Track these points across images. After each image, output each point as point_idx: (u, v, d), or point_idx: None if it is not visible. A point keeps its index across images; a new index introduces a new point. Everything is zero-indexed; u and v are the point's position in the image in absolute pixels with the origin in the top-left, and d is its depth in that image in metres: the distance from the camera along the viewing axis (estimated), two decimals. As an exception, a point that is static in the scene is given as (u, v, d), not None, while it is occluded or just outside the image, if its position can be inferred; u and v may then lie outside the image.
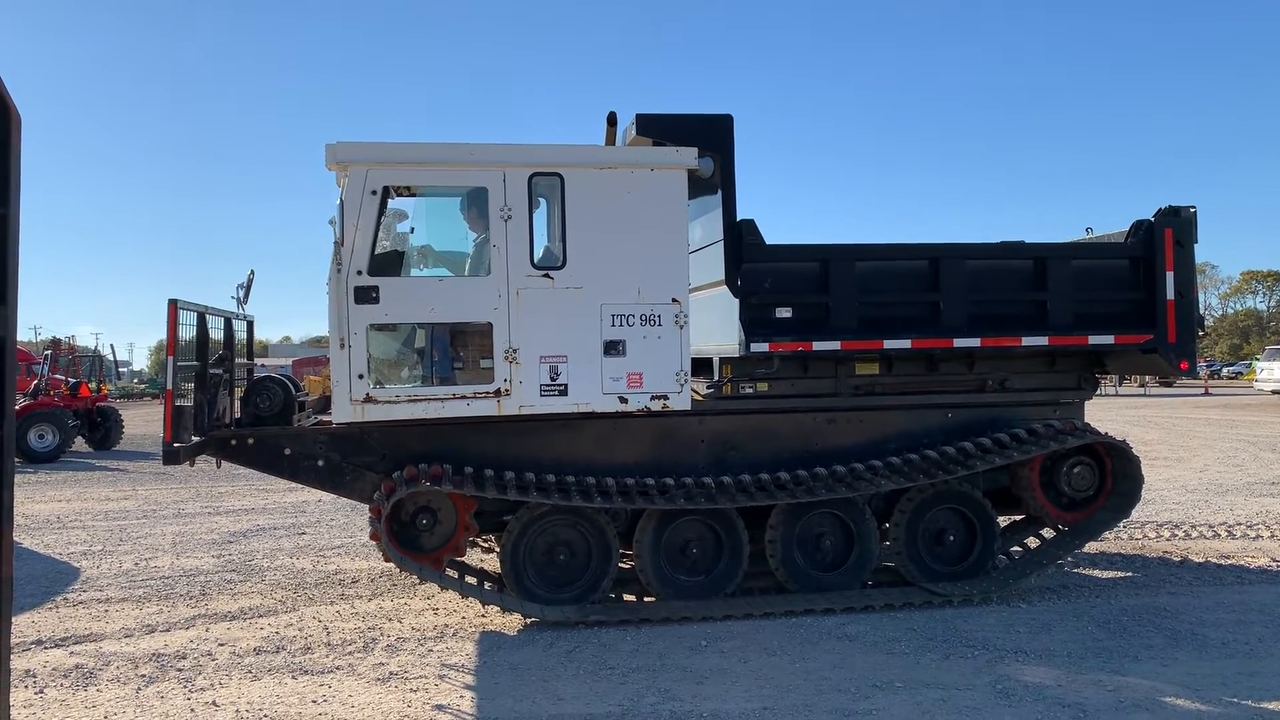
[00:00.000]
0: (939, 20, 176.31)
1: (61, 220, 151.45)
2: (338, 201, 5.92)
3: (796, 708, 4.56)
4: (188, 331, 6.03)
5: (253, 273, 7.01)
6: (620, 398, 6.10)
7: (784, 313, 6.38)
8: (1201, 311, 7.39)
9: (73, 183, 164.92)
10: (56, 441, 17.24)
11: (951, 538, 6.60)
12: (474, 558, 7.42)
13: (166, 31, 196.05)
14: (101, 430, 19.66)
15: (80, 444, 19.34)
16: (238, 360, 7.02)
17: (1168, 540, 8.46)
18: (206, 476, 13.91)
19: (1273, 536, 8.56)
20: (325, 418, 6.49)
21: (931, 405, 6.83)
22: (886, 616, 6.11)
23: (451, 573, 6.20)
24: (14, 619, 4.83)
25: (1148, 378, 38.83)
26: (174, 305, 5.76)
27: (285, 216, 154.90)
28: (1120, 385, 41.11)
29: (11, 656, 1.94)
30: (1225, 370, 59.38)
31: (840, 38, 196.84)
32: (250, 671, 5.22)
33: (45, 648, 5.68)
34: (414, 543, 6.03)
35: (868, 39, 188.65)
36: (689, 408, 6.27)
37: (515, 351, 5.97)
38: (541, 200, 6.46)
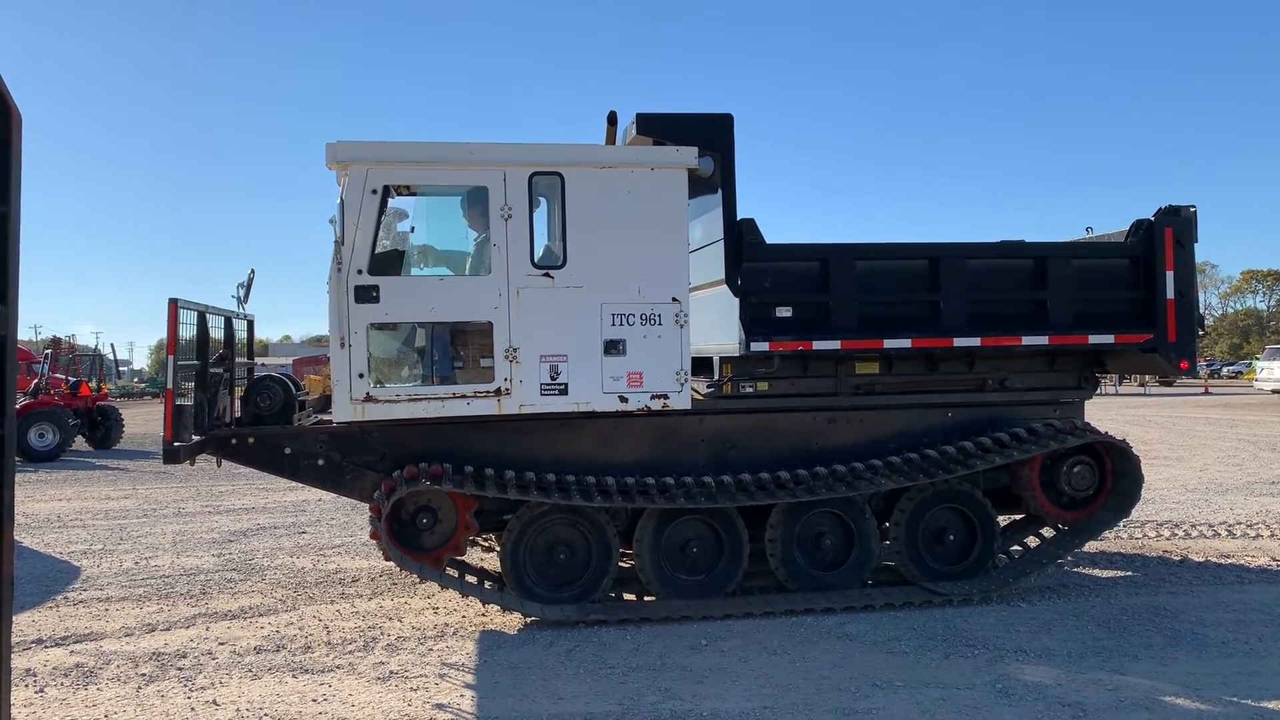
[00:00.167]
0: (939, 20, 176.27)
1: (62, 219, 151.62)
2: (338, 201, 5.92)
3: (796, 707, 4.56)
4: (188, 331, 6.03)
5: (253, 272, 7.01)
6: (620, 397, 6.10)
7: (784, 312, 6.38)
8: (1201, 311, 7.40)
9: (73, 182, 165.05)
10: (57, 440, 17.24)
11: (951, 537, 6.60)
12: (474, 557, 7.42)
13: (167, 31, 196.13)
14: (102, 429, 19.67)
15: (80, 443, 19.33)
16: (238, 359, 7.02)
17: (1168, 539, 8.47)
18: (207, 476, 13.92)
19: (1273, 536, 8.57)
20: (325, 417, 6.50)
21: (931, 404, 6.83)
22: (886, 616, 6.11)
23: (452, 572, 6.20)
24: (14, 618, 4.83)
25: (1148, 377, 38.82)
26: (174, 304, 5.76)
27: (285, 216, 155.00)
28: (1120, 385, 41.11)
29: (12, 655, 1.94)
30: (1225, 370, 59.37)
31: (840, 37, 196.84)
32: (250, 670, 5.22)
33: (46, 646, 5.68)
34: (414, 542, 6.03)
35: (868, 39, 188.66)
36: (689, 407, 6.27)
37: (515, 351, 5.97)
38: (542, 199, 6.46)
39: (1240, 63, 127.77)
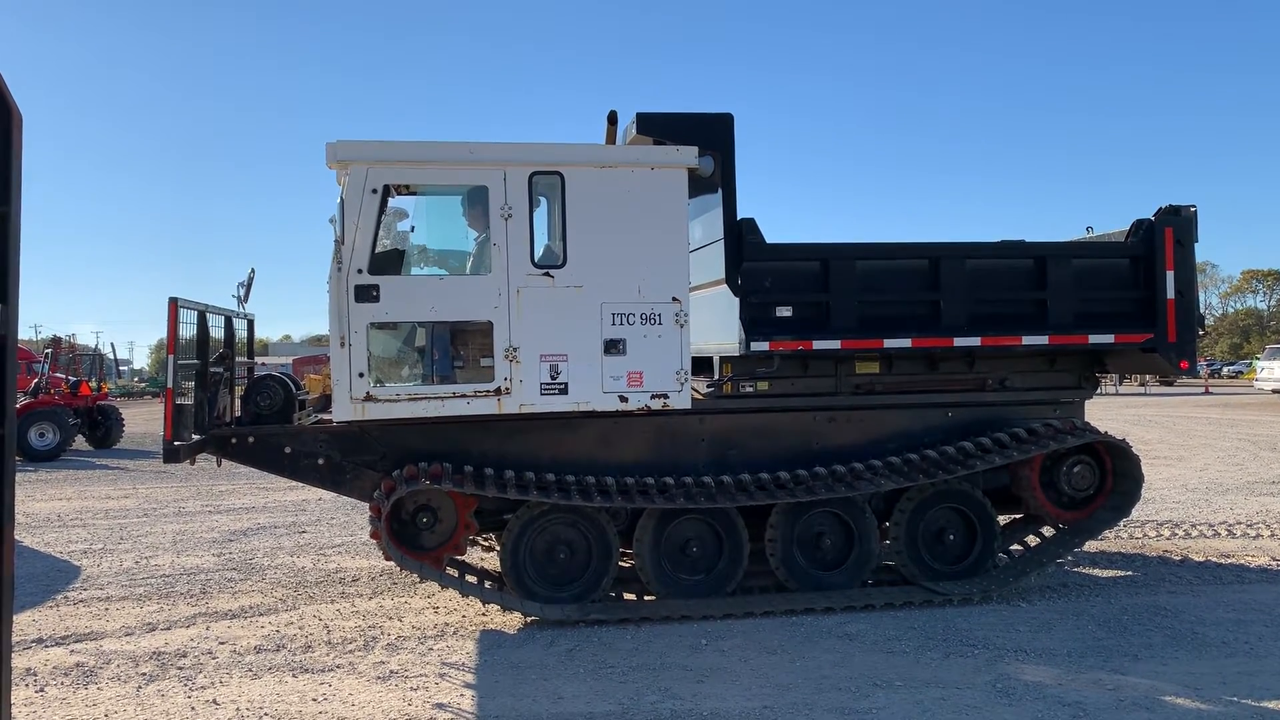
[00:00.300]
0: (940, 19, 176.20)
1: (62, 218, 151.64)
2: (338, 200, 5.92)
3: (797, 706, 4.56)
4: (188, 330, 6.03)
5: (253, 271, 7.02)
6: (620, 396, 6.11)
7: (784, 311, 6.39)
8: (1202, 311, 7.39)
9: (73, 181, 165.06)
10: (57, 440, 17.24)
11: (951, 537, 6.60)
12: (474, 557, 7.42)
13: (167, 29, 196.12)
14: (102, 429, 19.67)
15: (81, 442, 19.34)
16: (238, 359, 7.02)
17: (1168, 539, 8.47)
18: (207, 475, 13.92)
19: (1273, 535, 8.57)
20: (326, 416, 6.50)
21: (931, 404, 6.83)
22: (887, 615, 6.11)
23: (452, 571, 6.21)
24: (15, 617, 4.83)
25: (1148, 377, 38.82)
26: (174, 304, 5.76)
27: (286, 215, 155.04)
28: (1120, 384, 41.10)
29: (12, 655, 1.94)
30: (1225, 369, 59.35)
31: (841, 36, 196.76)
32: (251, 670, 5.22)
33: (46, 646, 5.69)
34: (414, 541, 6.03)
35: (868, 38, 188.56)
36: (689, 407, 6.27)
37: (515, 350, 5.97)
38: (542, 199, 6.46)
39: (1240, 62, 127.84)
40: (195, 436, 6.02)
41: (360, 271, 5.84)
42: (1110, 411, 24.94)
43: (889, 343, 6.46)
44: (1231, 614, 6.05)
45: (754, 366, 6.50)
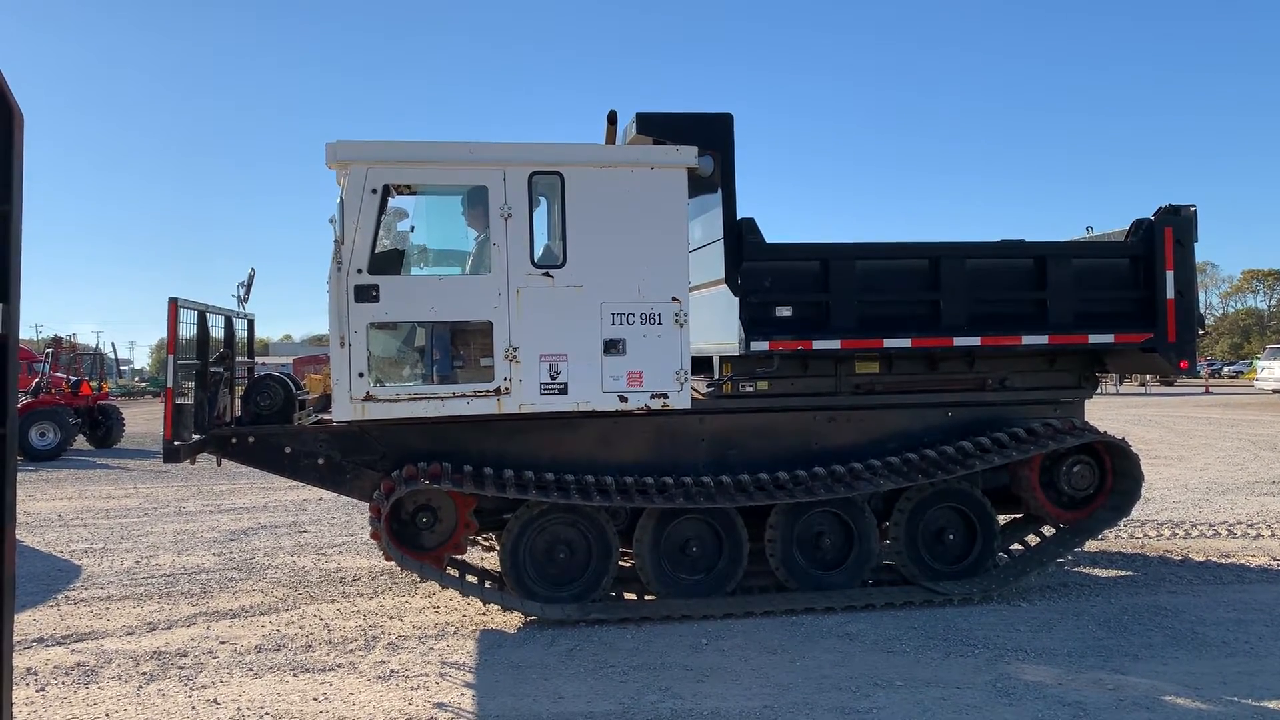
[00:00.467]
0: (940, 19, 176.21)
1: (63, 218, 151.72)
2: (338, 200, 5.93)
3: (797, 705, 4.57)
4: (188, 330, 6.04)
5: (253, 271, 7.03)
6: (620, 396, 6.11)
7: (784, 311, 6.39)
8: (1202, 310, 7.39)
9: (74, 181, 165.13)
10: (58, 439, 17.25)
11: (951, 536, 6.60)
12: (475, 556, 7.42)
13: (167, 29, 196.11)
14: (103, 428, 19.68)
15: (81, 442, 19.35)
16: (238, 358, 7.03)
17: (1168, 539, 8.47)
18: (207, 475, 13.93)
19: (1273, 535, 8.57)
20: (326, 416, 6.50)
21: (931, 404, 6.84)
22: (887, 615, 6.11)
23: (452, 571, 6.21)
24: (16, 616, 4.83)
25: (1148, 377, 38.79)
26: (174, 304, 5.77)
27: (286, 215, 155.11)
28: (1121, 384, 41.10)
29: (14, 654, 1.94)
30: (1226, 369, 59.33)
31: (840, 37, 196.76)
32: (251, 669, 5.22)
33: (47, 645, 5.69)
34: (414, 541, 6.03)
35: (869, 37, 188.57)
36: (689, 406, 6.27)
37: (515, 350, 5.98)
38: (542, 199, 6.46)
39: (1240, 62, 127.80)
40: (195, 436, 6.02)
41: (360, 271, 5.84)
42: (1110, 411, 24.93)
43: (889, 342, 6.47)
44: (1232, 614, 6.05)
45: (754, 366, 6.50)
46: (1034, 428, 6.71)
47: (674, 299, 6.17)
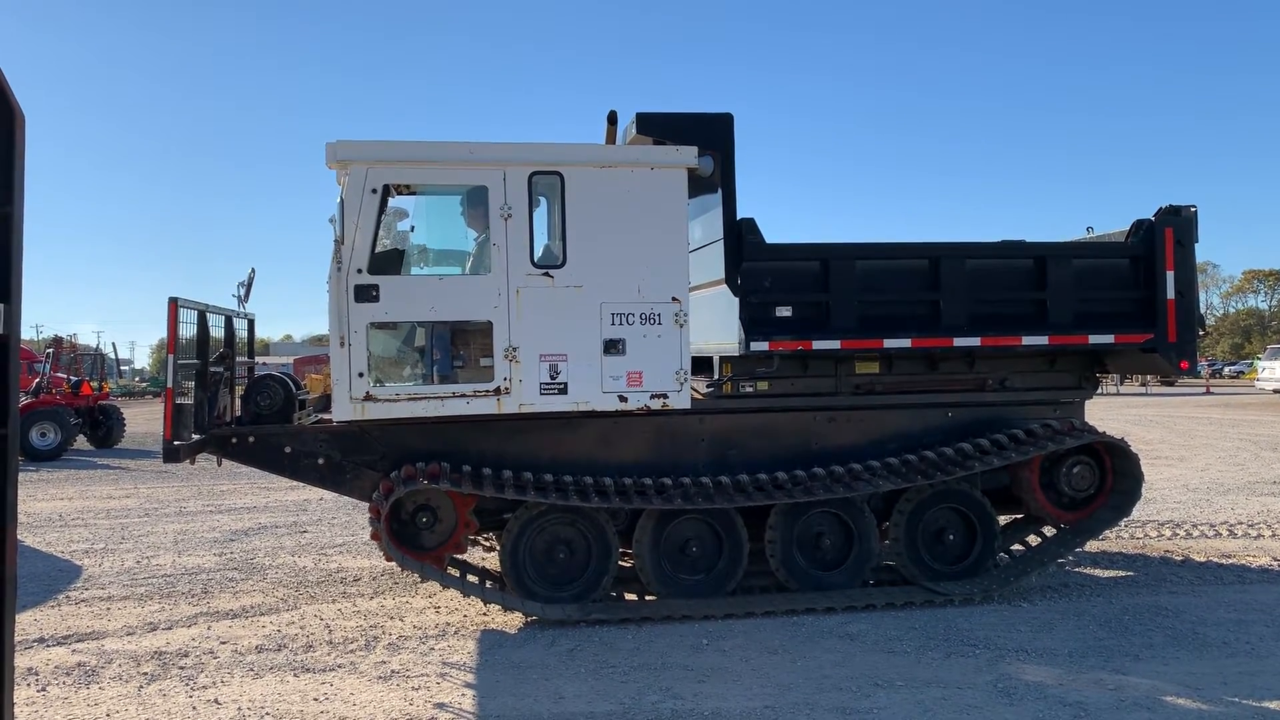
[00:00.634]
0: (940, 19, 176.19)
1: (63, 218, 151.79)
2: (338, 200, 5.93)
3: (798, 706, 4.57)
4: (188, 330, 6.04)
5: (253, 271, 7.02)
6: (620, 396, 6.11)
7: (784, 311, 6.39)
8: (1203, 311, 7.40)
9: (75, 181, 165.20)
10: (58, 439, 17.26)
11: (951, 537, 6.60)
12: (475, 557, 7.42)
13: (167, 29, 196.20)
14: (103, 428, 19.68)
15: (82, 442, 19.36)
16: (238, 358, 7.03)
17: (1169, 539, 8.46)
18: (208, 475, 13.93)
19: (1274, 536, 8.56)
20: (326, 416, 6.50)
21: (931, 404, 6.83)
22: (888, 615, 6.11)
23: (453, 571, 6.21)
24: (17, 617, 4.83)
25: (1149, 377, 38.80)
26: (174, 304, 5.77)
27: (286, 215, 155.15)
28: (1122, 384, 41.08)
29: (15, 654, 1.94)
30: (1227, 369, 59.32)
31: (840, 37, 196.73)
32: (252, 669, 5.22)
33: (48, 645, 5.69)
34: (415, 541, 6.03)
35: (869, 37, 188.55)
36: (689, 406, 6.27)
37: (515, 350, 5.98)
38: (541, 199, 6.47)
39: (1240, 62, 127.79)
40: (195, 436, 6.02)
41: (360, 271, 5.84)
42: (1111, 412, 24.93)
43: (889, 343, 6.46)
44: (1233, 614, 6.04)
45: (754, 366, 6.50)
46: (1033, 429, 6.70)
47: (674, 299, 6.17)
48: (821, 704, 4.58)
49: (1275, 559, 7.63)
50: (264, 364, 13.33)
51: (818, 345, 6.37)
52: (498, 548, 6.86)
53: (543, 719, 4.47)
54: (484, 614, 6.28)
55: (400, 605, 6.54)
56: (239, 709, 4.63)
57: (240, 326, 7.09)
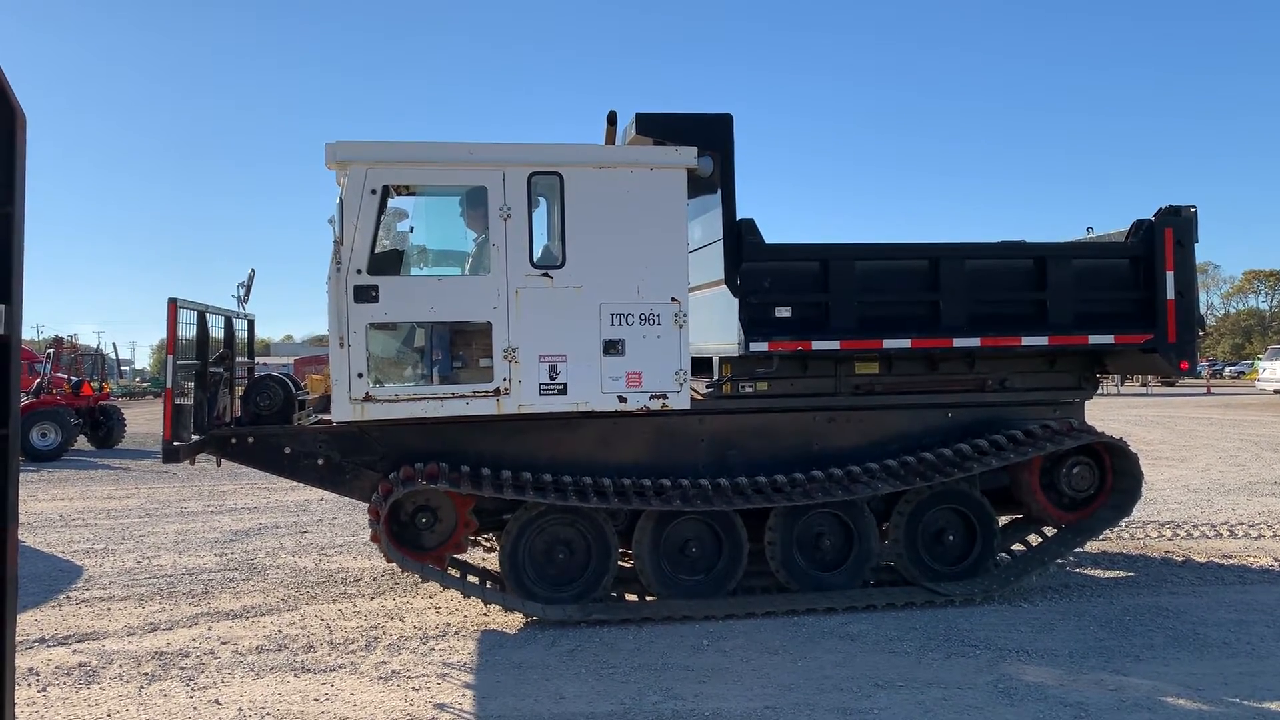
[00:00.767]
0: (940, 19, 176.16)
1: (63, 218, 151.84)
2: (337, 200, 5.93)
3: (798, 706, 4.57)
4: (188, 330, 6.04)
5: (253, 271, 7.03)
6: (619, 397, 6.11)
7: (783, 312, 6.38)
8: (1203, 311, 7.40)
9: (74, 180, 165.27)
10: (59, 440, 17.26)
11: (951, 537, 6.59)
12: (476, 557, 7.42)
13: (167, 29, 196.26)
14: (104, 429, 19.68)
15: (83, 442, 19.36)
16: (238, 359, 7.03)
17: (1169, 540, 8.46)
18: (209, 475, 13.93)
19: (1275, 536, 8.56)
20: (325, 416, 6.50)
21: (931, 405, 6.83)
22: (888, 615, 6.11)
23: (453, 571, 6.21)
24: (18, 617, 4.84)
25: (1149, 378, 38.79)
26: (174, 304, 5.77)
27: (286, 215, 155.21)
28: (1122, 385, 41.07)
29: (15, 654, 1.95)
30: (1227, 370, 59.29)
31: (840, 37, 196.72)
32: (253, 670, 5.23)
33: (48, 646, 5.69)
34: (415, 541, 6.03)
35: (869, 37, 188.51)
36: (688, 407, 6.27)
37: (514, 351, 5.98)
38: (541, 199, 6.46)
39: (1240, 62, 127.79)
40: (195, 437, 6.02)
41: (359, 272, 5.84)
42: (1111, 412, 24.92)
43: (888, 343, 6.46)
44: (1233, 615, 6.04)
45: (753, 367, 6.50)
46: (1032, 430, 6.70)
47: (673, 299, 6.17)
48: (822, 704, 4.58)
49: (1276, 559, 7.63)
50: (264, 364, 13.34)
51: (817, 346, 6.37)
52: (498, 548, 6.86)
53: (543, 719, 4.47)
54: (484, 614, 6.28)
55: (401, 606, 6.54)
56: (239, 709, 4.63)
57: (240, 327, 7.09)
